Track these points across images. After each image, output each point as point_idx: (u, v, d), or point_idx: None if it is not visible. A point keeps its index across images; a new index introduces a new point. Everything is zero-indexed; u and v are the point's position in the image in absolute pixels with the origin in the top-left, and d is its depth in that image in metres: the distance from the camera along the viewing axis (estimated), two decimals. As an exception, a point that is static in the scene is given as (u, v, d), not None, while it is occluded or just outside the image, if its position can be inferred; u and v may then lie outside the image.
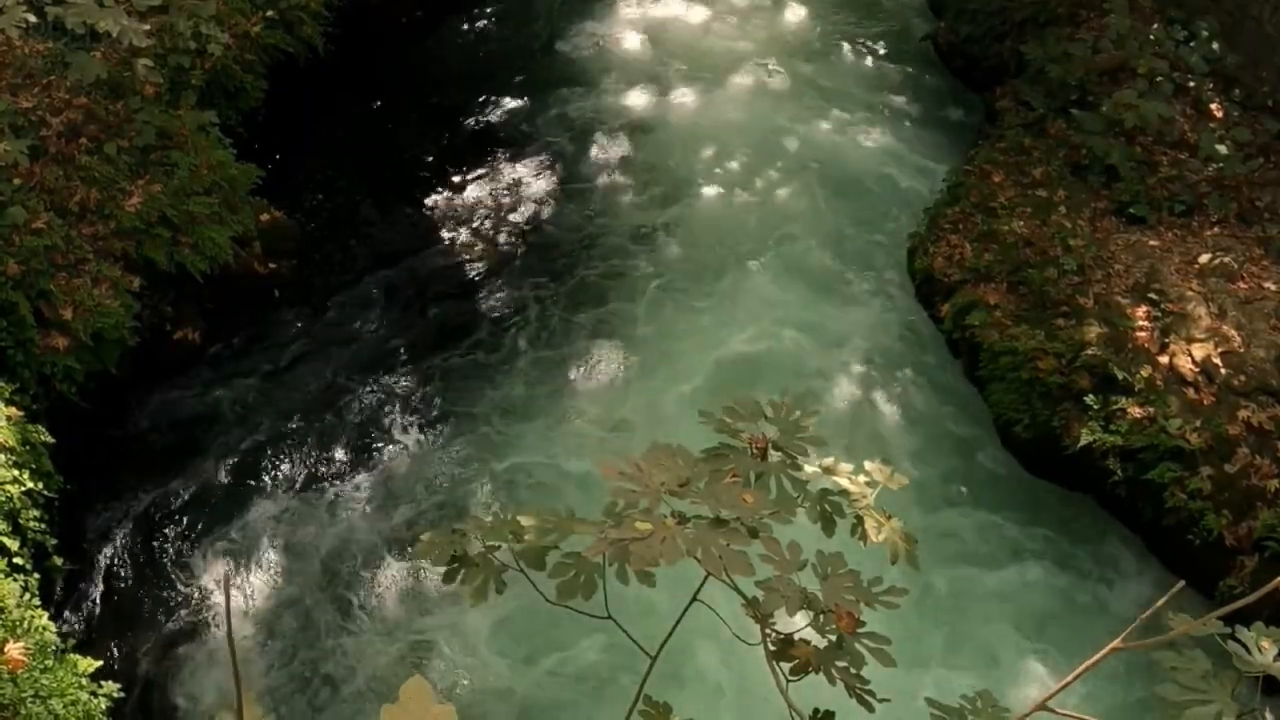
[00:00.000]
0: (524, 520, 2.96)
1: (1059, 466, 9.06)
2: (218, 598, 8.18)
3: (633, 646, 3.01)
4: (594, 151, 12.15)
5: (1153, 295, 9.38)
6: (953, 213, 10.66)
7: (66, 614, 7.78)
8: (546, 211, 11.44)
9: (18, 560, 6.91)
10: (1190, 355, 8.90)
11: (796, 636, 2.87)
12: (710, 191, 11.68)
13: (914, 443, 9.43)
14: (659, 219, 11.36)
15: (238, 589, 8.25)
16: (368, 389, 9.69)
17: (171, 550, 8.50)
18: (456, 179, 11.73)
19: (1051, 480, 9.17)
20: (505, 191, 11.63)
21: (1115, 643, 2.65)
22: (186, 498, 8.82)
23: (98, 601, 8.15)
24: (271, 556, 8.52)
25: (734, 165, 11.97)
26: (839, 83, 13.08)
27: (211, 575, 8.35)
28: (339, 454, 9.20)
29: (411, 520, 8.75)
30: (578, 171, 11.92)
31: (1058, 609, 8.44)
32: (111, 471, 8.87)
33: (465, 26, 13.70)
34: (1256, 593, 2.65)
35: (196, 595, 8.24)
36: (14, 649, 5.98)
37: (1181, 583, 2.80)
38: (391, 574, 8.44)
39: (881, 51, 13.57)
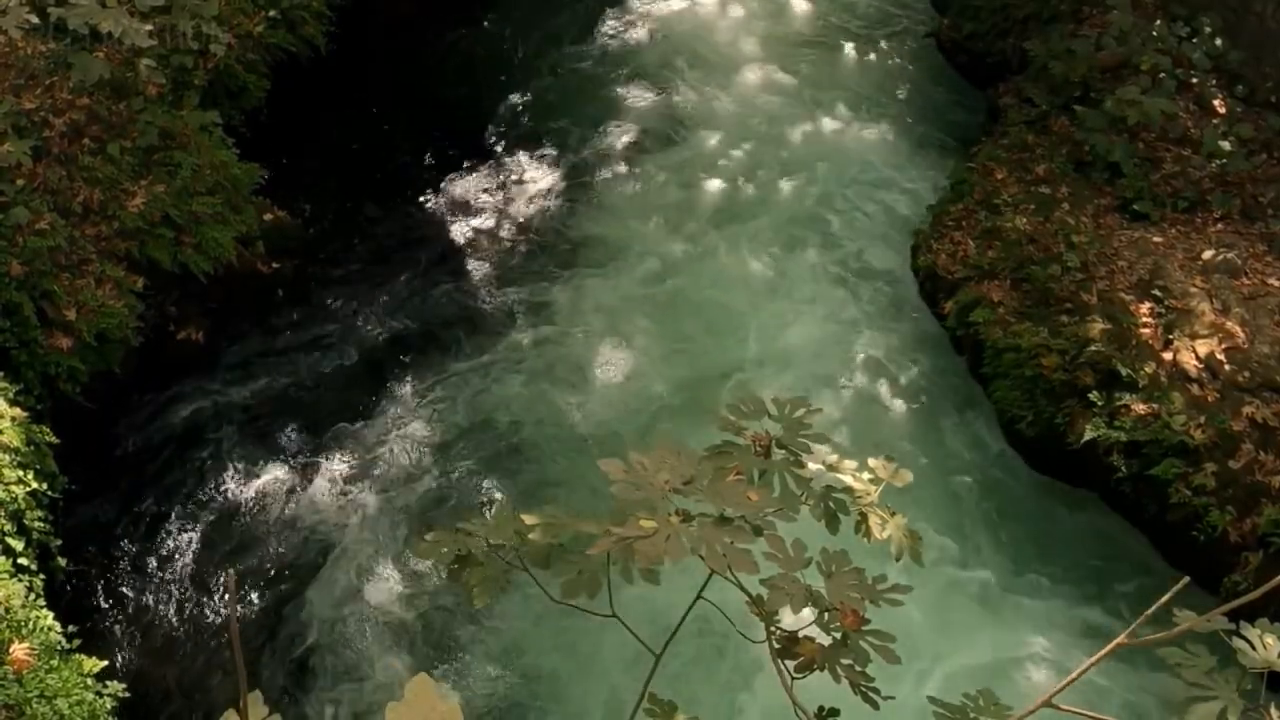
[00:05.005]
0: (528, 519, 2.96)
1: (1064, 463, 9.05)
2: (222, 596, 8.19)
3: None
4: (596, 148, 12.14)
5: (1156, 291, 9.37)
6: (956, 210, 10.65)
7: (71, 614, 7.78)
8: (551, 209, 11.44)
9: (22, 560, 6.91)
10: (1194, 351, 8.89)
11: (801, 634, 2.87)
12: (713, 188, 11.67)
13: (918, 440, 9.42)
14: (661, 215, 11.36)
15: (242, 588, 8.25)
16: (371, 388, 9.70)
17: (175, 549, 8.51)
18: (459, 177, 11.73)
19: (1056, 477, 9.16)
20: (509, 189, 11.63)
21: (1120, 638, 2.65)
22: (190, 497, 8.83)
23: (102, 601, 8.16)
24: (275, 554, 8.53)
25: (737, 161, 11.96)
26: (842, 79, 13.08)
27: (215, 574, 8.35)
28: (342, 453, 9.20)
29: (414, 518, 8.75)
30: (581, 168, 11.91)
31: (1060, 607, 8.44)
32: (115, 471, 8.88)
33: (468, 26, 13.69)
34: (1261, 589, 2.65)
35: (201, 594, 8.25)
36: (19, 649, 5.99)
37: (1186, 579, 2.80)
38: (395, 570, 8.45)
39: (884, 48, 13.56)
